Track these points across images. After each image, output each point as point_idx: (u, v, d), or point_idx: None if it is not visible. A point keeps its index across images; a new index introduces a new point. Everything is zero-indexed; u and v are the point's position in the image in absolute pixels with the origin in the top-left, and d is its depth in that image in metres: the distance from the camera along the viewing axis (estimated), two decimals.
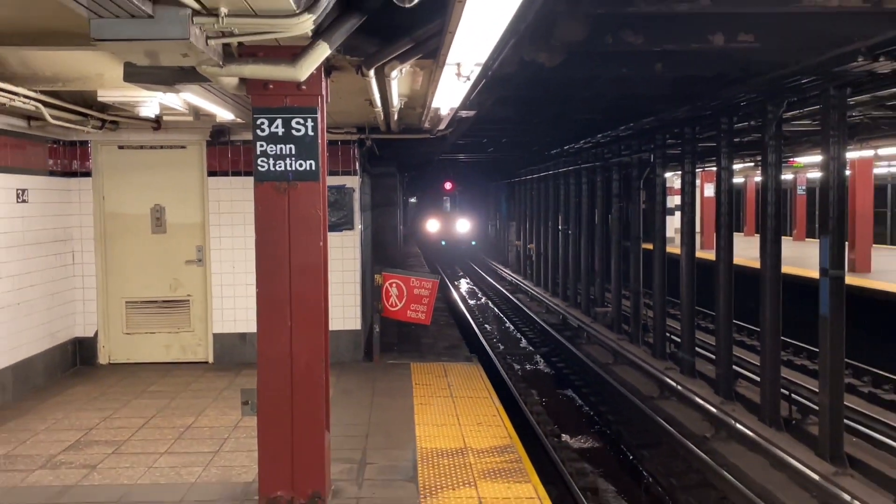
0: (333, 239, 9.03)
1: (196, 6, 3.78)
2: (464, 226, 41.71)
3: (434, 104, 7.14)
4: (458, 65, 5.25)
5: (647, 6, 6.39)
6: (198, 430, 7.13)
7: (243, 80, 5.05)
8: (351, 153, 10.13)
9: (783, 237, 9.88)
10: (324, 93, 5.26)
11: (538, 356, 17.01)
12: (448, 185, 39.35)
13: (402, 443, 6.74)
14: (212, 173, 9.83)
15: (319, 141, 5.19)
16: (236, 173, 9.80)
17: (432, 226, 41.86)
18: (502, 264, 33.45)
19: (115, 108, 8.13)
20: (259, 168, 5.18)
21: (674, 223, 19.77)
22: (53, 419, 7.50)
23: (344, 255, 9.93)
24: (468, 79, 5.58)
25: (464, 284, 30.67)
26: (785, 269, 9.78)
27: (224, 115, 7.69)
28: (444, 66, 5.28)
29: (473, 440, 6.79)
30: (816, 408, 9.10)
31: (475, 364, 10.02)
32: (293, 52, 4.77)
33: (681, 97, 10.83)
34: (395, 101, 7.12)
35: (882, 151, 16.03)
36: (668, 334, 13.59)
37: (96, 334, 9.80)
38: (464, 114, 8.75)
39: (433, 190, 40.76)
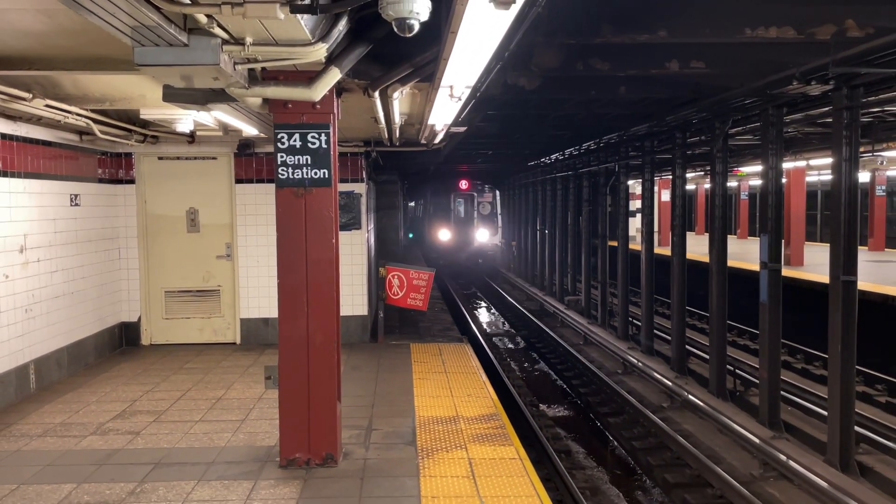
0: (344, 237, 9.00)
1: (225, 36, 3.77)
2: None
3: (430, 121, 7.13)
4: (451, 87, 5.25)
5: (613, 37, 6.38)
6: (227, 402, 7.11)
7: (266, 100, 5.04)
8: (359, 163, 10.11)
9: (729, 236, 9.89)
10: (335, 111, 5.25)
11: (519, 337, 17.01)
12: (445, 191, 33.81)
13: (403, 412, 6.73)
14: (239, 181, 9.81)
15: (332, 153, 5.18)
16: (260, 181, 9.78)
17: (444, 234, 30.27)
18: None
19: (156, 124, 8.11)
20: (280, 176, 5.17)
21: (635, 224, 19.76)
22: (103, 392, 7.48)
23: (353, 251, 9.91)
24: (459, 99, 5.58)
25: (454, 273, 30.43)
26: (730, 263, 9.79)
27: (249, 130, 7.67)
28: (439, 89, 5.28)
29: (464, 409, 6.79)
30: (757, 381, 9.12)
31: (465, 344, 10.01)
32: (309, 76, 4.76)
33: (641, 116, 10.83)
34: (397, 119, 7.11)
35: (813, 162, 16.07)
36: (630, 319, 13.58)
37: (139, 319, 9.77)
38: (455, 129, 8.73)
39: (430, 195, 36.25)
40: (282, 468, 5.30)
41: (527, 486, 4.98)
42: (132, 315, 9.74)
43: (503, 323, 19.21)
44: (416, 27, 3.35)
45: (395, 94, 5.65)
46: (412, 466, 5.35)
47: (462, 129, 9.01)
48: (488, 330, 17.90)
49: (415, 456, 5.57)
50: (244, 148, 9.63)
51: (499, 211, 29.68)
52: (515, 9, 3.18)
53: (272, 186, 5.25)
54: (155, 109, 6.81)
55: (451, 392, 7.39)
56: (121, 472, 5.29)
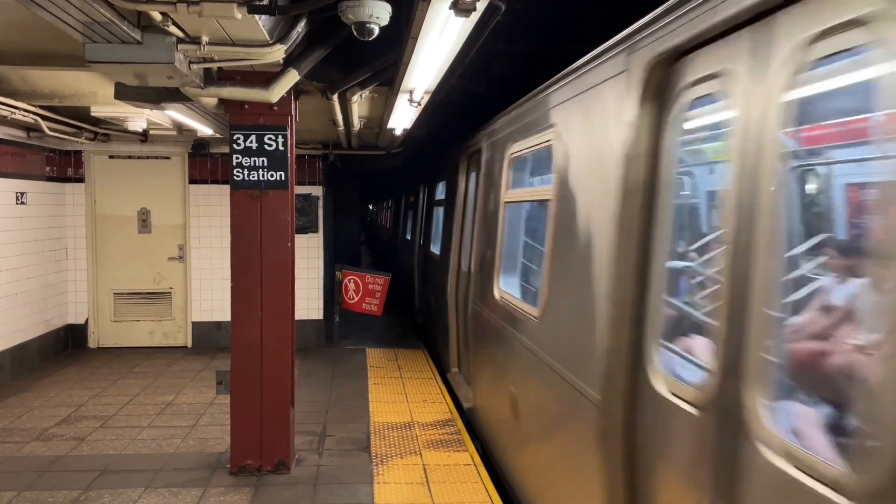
0: (300, 240, 8.89)
1: (180, 34, 3.72)
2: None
3: (389, 125, 7.12)
4: (411, 92, 5.26)
5: (573, 47, 6.46)
6: (177, 407, 6.98)
7: (222, 100, 4.98)
8: (316, 166, 10.04)
9: None
10: (293, 113, 5.22)
11: None
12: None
13: (357, 418, 6.69)
14: (192, 181, 9.65)
15: (289, 155, 5.14)
16: (214, 182, 9.64)
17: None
18: None
19: (107, 122, 7.93)
20: (235, 178, 5.11)
21: None
22: (47, 396, 7.27)
23: (309, 254, 9.83)
24: (419, 104, 5.58)
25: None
26: None
27: (204, 130, 7.56)
28: (399, 93, 5.28)
29: (419, 415, 6.78)
30: None
31: (422, 350, 10.00)
32: (267, 77, 4.72)
33: None
34: (356, 122, 7.09)
35: None
36: None
37: (87, 321, 9.53)
38: (414, 134, 8.72)
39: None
40: (232, 475, 5.22)
41: (481, 493, 4.99)
42: (79, 317, 9.50)
43: None
44: (376, 32, 3.35)
45: (355, 98, 5.64)
46: (366, 473, 5.32)
47: (421, 133, 9.01)
48: None
49: (369, 462, 5.54)
50: (199, 148, 9.48)
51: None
52: (476, 16, 3.20)
53: (227, 188, 5.19)
54: (106, 107, 6.66)
55: (406, 397, 7.37)
56: (64, 479, 5.15)
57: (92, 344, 9.56)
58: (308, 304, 9.76)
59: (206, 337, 9.68)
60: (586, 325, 3.20)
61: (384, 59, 4.92)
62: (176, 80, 4.21)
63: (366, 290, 9.53)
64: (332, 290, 9.99)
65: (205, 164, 9.65)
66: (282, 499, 4.87)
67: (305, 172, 9.87)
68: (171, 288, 9.69)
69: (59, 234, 9.20)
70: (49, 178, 8.98)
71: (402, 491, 5.00)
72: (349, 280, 9.58)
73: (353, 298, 9.57)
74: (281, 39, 3.97)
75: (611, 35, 3.27)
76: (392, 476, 5.27)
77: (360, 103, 6.17)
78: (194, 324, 9.69)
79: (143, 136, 9.11)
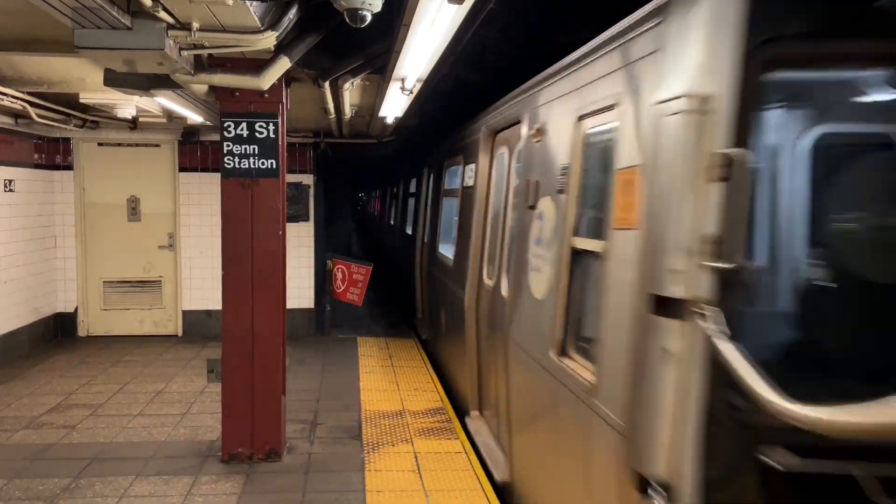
0: (291, 229, 8.90)
1: (171, 20, 3.69)
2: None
3: (381, 113, 7.09)
4: (403, 80, 5.24)
5: (563, 37, 6.45)
6: (168, 395, 6.97)
7: (212, 88, 4.95)
8: (307, 154, 10.00)
9: None
10: (284, 101, 5.19)
11: None
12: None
13: (348, 406, 6.70)
14: (183, 169, 9.60)
15: (280, 143, 5.12)
16: (205, 170, 9.59)
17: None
18: None
19: (96, 109, 7.88)
20: (226, 165, 5.09)
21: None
22: (37, 385, 7.25)
23: (300, 243, 9.81)
24: (411, 92, 5.57)
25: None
26: None
27: (194, 117, 7.52)
28: (391, 81, 5.27)
29: (410, 403, 6.79)
30: None
31: (413, 339, 10.02)
32: (258, 64, 4.70)
33: None
34: (347, 110, 7.06)
35: None
36: None
37: (76, 310, 9.49)
38: (406, 123, 8.70)
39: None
40: (224, 463, 5.22)
41: (471, 480, 5.01)
42: (68, 306, 9.46)
43: None
44: (369, 18, 3.33)
45: (346, 86, 5.62)
46: (357, 461, 5.34)
47: (412, 122, 8.99)
48: None
49: (360, 450, 5.55)
50: (189, 136, 9.43)
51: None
52: (469, 3, 3.19)
53: (217, 176, 5.17)
54: (95, 94, 6.61)
55: (397, 386, 7.38)
56: (55, 467, 5.14)
57: (81, 332, 9.52)
58: (299, 292, 9.75)
59: (197, 326, 9.66)
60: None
61: (376, 46, 4.91)
62: (166, 67, 4.18)
63: (350, 280, 9.50)
64: (323, 279, 9.98)
65: (195, 151, 9.60)
66: (273, 486, 4.88)
67: (296, 161, 9.84)
68: (160, 276, 9.66)
69: (48, 221, 9.15)
70: (37, 166, 8.92)
71: (394, 478, 5.02)
72: (338, 269, 9.57)
73: (340, 287, 9.56)
74: (272, 26, 3.95)
75: (605, 26, 3.49)
76: (383, 464, 5.29)
77: (351, 91, 6.15)
78: (184, 312, 9.67)
79: (133, 124, 9.05)
